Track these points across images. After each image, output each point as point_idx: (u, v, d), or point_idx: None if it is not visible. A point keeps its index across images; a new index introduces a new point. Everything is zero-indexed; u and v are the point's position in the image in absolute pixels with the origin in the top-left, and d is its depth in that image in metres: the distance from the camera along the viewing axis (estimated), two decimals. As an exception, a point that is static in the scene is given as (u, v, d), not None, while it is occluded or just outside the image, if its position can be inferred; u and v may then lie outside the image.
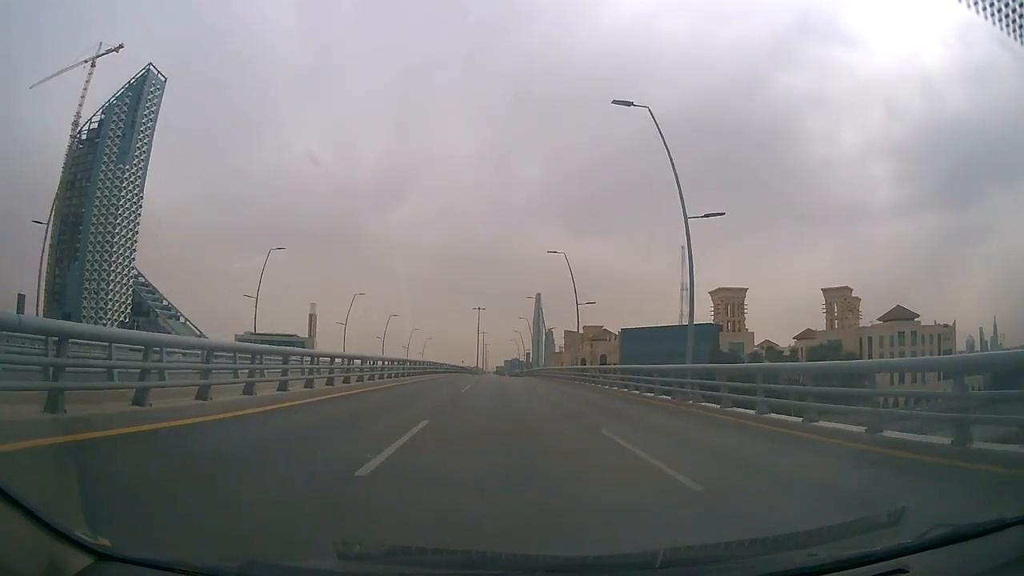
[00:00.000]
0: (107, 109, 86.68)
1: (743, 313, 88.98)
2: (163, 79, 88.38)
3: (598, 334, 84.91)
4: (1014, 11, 2.70)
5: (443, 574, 2.26)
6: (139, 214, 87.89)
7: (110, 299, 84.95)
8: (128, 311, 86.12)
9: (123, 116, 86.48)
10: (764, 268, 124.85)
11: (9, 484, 1.62)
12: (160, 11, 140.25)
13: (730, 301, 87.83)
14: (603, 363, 68.51)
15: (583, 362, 75.52)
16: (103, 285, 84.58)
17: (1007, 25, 2.72)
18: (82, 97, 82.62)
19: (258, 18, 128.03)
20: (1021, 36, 2.69)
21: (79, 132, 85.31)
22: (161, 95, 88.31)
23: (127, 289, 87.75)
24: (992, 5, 2.73)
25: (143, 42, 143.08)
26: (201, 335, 73.27)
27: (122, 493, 3.85)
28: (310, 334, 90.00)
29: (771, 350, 72.75)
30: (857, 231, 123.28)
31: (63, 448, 5.14)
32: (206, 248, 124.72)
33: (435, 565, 2.27)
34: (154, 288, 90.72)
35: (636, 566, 2.15)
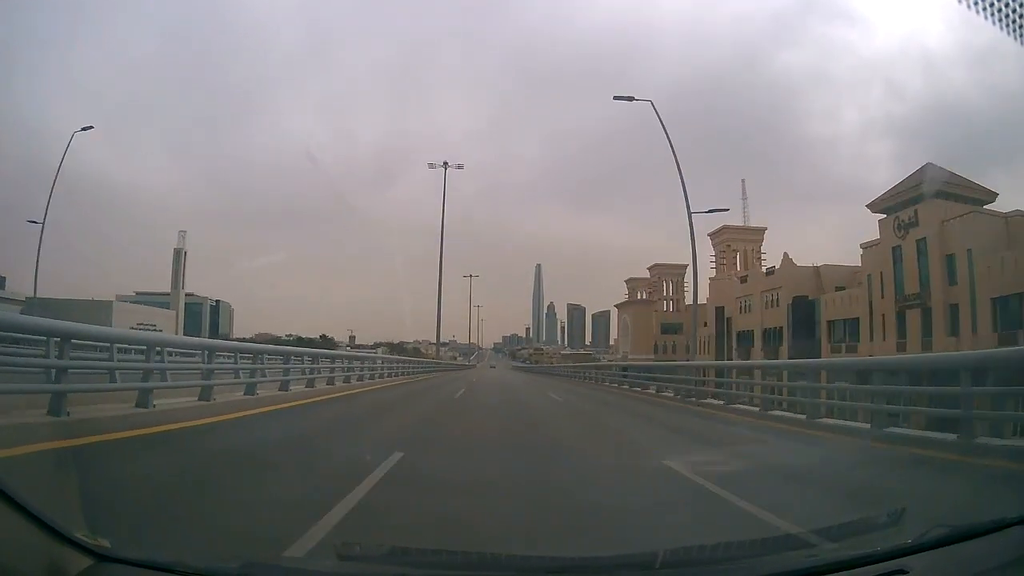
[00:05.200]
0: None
1: None
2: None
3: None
4: (1014, 11, 2.70)
5: (443, 575, 2.26)
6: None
7: None
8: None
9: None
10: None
11: (9, 485, 1.62)
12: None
13: None
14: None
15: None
16: None
17: (1007, 25, 2.72)
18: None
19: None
20: (1021, 36, 2.69)
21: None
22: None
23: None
24: (992, 5, 2.73)
25: (139, 23, 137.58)
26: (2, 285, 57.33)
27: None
28: (175, 284, 66.41)
29: None
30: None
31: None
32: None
33: (435, 566, 2.27)
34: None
35: (635, 567, 2.16)
